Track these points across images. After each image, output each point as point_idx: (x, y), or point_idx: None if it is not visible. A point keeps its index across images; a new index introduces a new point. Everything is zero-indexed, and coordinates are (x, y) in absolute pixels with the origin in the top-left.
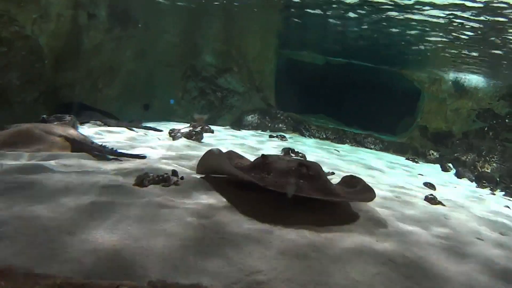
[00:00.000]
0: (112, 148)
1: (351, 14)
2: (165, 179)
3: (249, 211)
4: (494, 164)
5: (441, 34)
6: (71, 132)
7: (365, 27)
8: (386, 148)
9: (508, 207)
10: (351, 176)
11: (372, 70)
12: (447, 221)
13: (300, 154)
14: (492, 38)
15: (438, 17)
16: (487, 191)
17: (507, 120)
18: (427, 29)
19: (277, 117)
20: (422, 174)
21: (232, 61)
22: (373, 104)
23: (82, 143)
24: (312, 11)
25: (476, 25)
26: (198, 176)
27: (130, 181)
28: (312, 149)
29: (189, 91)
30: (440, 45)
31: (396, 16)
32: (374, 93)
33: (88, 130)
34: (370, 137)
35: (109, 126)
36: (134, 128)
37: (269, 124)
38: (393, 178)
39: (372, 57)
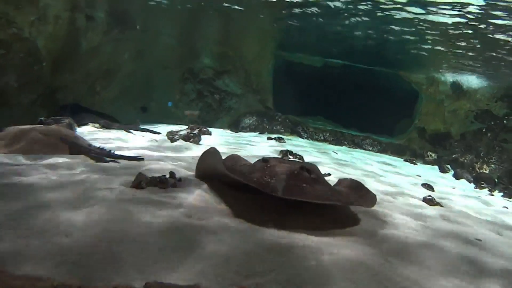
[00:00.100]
0: (110, 151)
1: (351, 14)
2: (162, 181)
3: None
4: (492, 165)
5: (438, 35)
6: (69, 134)
7: (364, 29)
8: (384, 149)
9: (507, 207)
10: (351, 179)
11: (370, 72)
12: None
13: (298, 156)
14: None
15: (437, 17)
16: (485, 192)
17: (505, 121)
18: (425, 30)
19: (275, 119)
20: (420, 175)
21: (230, 63)
22: (371, 106)
23: (79, 145)
24: (309, 11)
25: (474, 24)
26: (196, 178)
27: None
28: (309, 151)
29: (187, 93)
30: (437, 48)
31: (394, 16)
32: (372, 95)
33: (85, 132)
34: (368, 138)
35: (107, 128)
36: (131, 131)
37: (267, 126)
38: (391, 179)
39: (370, 59)
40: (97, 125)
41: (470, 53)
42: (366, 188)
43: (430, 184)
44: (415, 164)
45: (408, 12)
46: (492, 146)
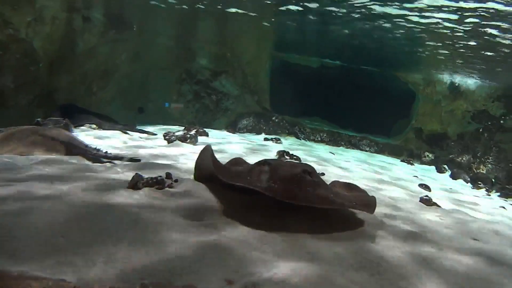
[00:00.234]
0: (106, 151)
1: (348, 16)
2: (159, 182)
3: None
4: (489, 165)
5: (436, 36)
6: (65, 135)
7: (361, 30)
8: (381, 150)
9: (504, 207)
10: (348, 183)
11: (367, 73)
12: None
13: (294, 157)
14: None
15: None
16: (482, 192)
17: (501, 121)
18: (422, 32)
19: (272, 120)
20: (417, 175)
21: (227, 64)
22: (368, 107)
23: (76, 146)
24: (307, 10)
25: (471, 25)
26: (193, 179)
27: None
28: (307, 152)
29: (184, 94)
30: (435, 49)
31: (392, 15)
32: (368, 96)
33: (82, 133)
34: (365, 139)
35: (103, 129)
36: (128, 131)
37: (264, 127)
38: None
39: (367, 60)
40: (94, 125)
41: (468, 54)
42: (366, 192)
43: (427, 184)
44: (412, 164)
45: (406, 14)
46: (489, 146)
